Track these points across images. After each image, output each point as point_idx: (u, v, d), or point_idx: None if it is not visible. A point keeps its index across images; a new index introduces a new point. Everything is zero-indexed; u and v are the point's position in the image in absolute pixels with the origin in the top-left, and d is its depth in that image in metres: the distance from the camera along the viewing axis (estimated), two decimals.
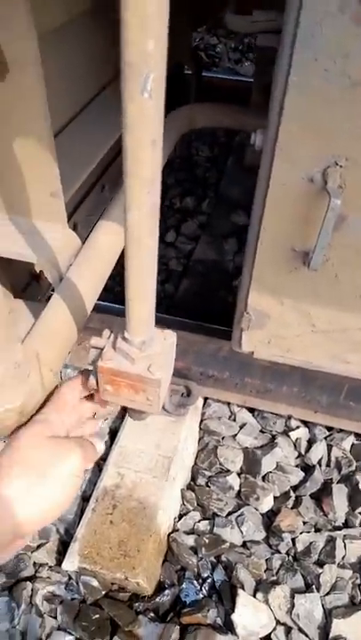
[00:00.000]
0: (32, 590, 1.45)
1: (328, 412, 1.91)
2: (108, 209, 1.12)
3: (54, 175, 0.88)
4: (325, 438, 1.94)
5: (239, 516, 1.67)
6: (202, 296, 2.51)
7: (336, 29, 0.76)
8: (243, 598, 1.42)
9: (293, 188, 0.95)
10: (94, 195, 1.33)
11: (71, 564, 1.47)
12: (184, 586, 1.49)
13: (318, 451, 1.89)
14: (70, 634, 1.36)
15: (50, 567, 1.52)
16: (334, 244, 1.02)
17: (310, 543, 1.62)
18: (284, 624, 1.43)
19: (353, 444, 1.93)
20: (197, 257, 2.68)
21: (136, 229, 0.53)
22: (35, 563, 1.54)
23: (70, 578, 1.47)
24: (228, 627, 1.40)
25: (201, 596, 1.48)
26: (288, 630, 1.42)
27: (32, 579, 1.49)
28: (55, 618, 1.39)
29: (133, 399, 0.72)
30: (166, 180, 3.20)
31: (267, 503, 1.73)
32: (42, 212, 0.92)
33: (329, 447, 1.91)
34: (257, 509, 1.71)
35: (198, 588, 1.49)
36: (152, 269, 0.60)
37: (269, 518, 1.70)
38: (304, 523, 1.68)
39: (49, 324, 0.80)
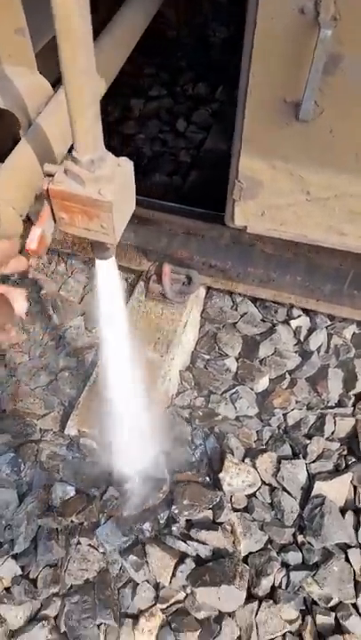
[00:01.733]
0: (37, 450, 1.58)
1: (331, 301, 1.89)
2: None
3: (18, 9, 0.82)
4: (327, 327, 1.95)
5: (234, 393, 1.75)
6: (211, 188, 2.43)
7: None
8: (231, 461, 1.53)
9: (283, 22, 0.86)
10: None
11: (72, 428, 1.58)
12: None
13: (318, 338, 1.91)
14: (70, 485, 1.50)
15: (54, 432, 1.64)
16: (329, 92, 0.94)
17: (301, 419, 1.69)
18: (269, 484, 1.54)
19: (354, 333, 1.94)
20: (208, 147, 2.55)
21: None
22: (40, 429, 1.66)
23: (71, 440, 1.59)
24: (216, 484, 1.52)
25: (193, 459, 1.59)
26: (272, 490, 1.53)
27: (37, 442, 1.62)
28: (57, 472, 1.53)
29: (88, 227, 0.72)
30: (179, 62, 2.98)
31: (262, 384, 1.80)
32: (8, 54, 0.86)
33: (329, 336, 1.93)
34: (252, 389, 1.78)
35: (191, 453, 1.60)
36: (92, 79, 0.56)
37: (263, 397, 1.77)
38: (297, 402, 1.75)
39: (14, 166, 0.79)
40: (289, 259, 1.83)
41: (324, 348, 1.91)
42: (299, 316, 1.97)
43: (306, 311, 1.97)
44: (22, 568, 1.40)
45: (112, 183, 0.66)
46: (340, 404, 1.76)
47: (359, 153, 1.05)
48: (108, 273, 0.96)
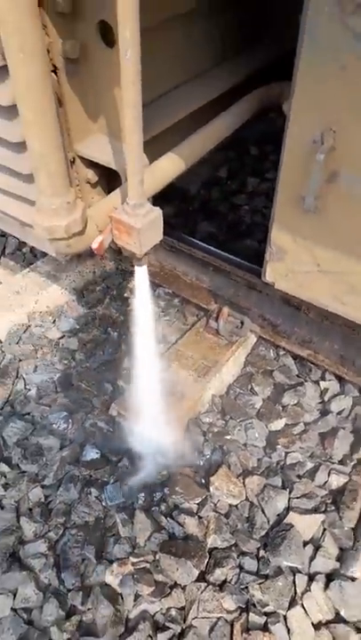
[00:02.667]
0: (84, 418, 2.03)
1: (359, 374, 2.13)
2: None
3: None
4: (353, 397, 2.16)
5: (249, 424, 2.04)
6: None
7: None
8: (225, 471, 1.82)
9: (302, 146, 1.28)
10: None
11: (113, 410, 2.02)
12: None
13: (341, 403, 2.13)
14: (98, 450, 1.91)
15: (100, 409, 2.08)
16: (331, 194, 1.32)
17: (299, 462, 1.93)
18: (250, 502, 1.79)
19: None
20: None
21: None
22: (92, 404, 2.12)
23: (110, 418, 2.02)
24: (207, 486, 1.81)
25: (196, 462, 1.91)
26: (251, 506, 1.78)
27: (87, 412, 2.07)
28: (92, 438, 1.96)
29: (127, 241, 1.17)
30: None
31: (276, 425, 2.06)
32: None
33: (353, 405, 2.14)
34: (266, 426, 2.06)
35: (196, 457, 1.92)
36: (140, 155, 1.01)
37: (274, 436, 2.03)
38: (301, 447, 1.98)
39: (106, 202, 1.28)
40: (329, 327, 2.12)
41: (345, 413, 2.12)
42: (330, 380, 2.21)
43: (338, 378, 2.21)
44: (45, 497, 1.82)
45: (144, 219, 1.12)
46: (341, 462, 1.96)
47: (359, 240, 1.39)
48: (141, 278, 1.41)
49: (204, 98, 1.65)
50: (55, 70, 1.24)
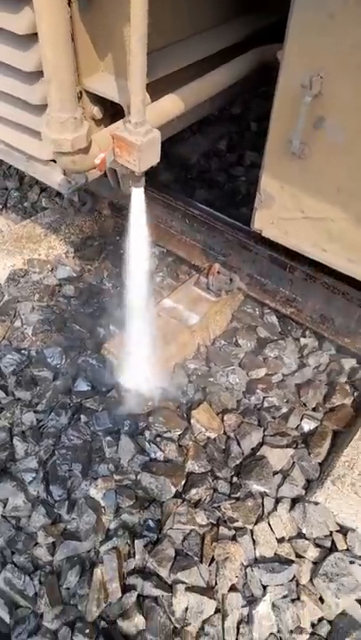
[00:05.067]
0: (76, 356, 2.16)
1: (338, 332, 2.26)
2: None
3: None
4: (330, 355, 2.30)
5: (231, 370, 2.17)
6: None
7: None
8: (205, 407, 1.96)
9: (292, 91, 1.39)
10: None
11: (104, 350, 2.15)
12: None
13: (318, 359, 2.27)
14: (89, 383, 2.04)
15: (91, 350, 2.21)
16: (316, 141, 1.44)
17: (275, 405, 2.07)
18: (227, 435, 1.94)
19: (353, 367, 2.27)
20: None
21: None
22: (85, 344, 2.24)
23: (101, 356, 2.15)
24: (188, 419, 1.95)
25: (180, 400, 2.05)
26: (228, 439, 1.92)
27: (79, 352, 2.19)
28: (84, 372, 2.09)
29: (128, 159, 1.29)
30: None
31: (257, 373, 2.20)
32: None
33: (330, 361, 2.28)
34: (248, 374, 2.19)
35: (181, 396, 2.06)
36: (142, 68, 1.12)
37: (254, 383, 2.17)
38: (278, 394, 2.12)
39: (109, 128, 1.39)
40: (312, 287, 2.25)
41: (321, 368, 2.27)
42: (310, 337, 2.35)
43: (318, 336, 2.35)
44: (38, 421, 1.95)
45: (144, 137, 1.23)
46: (313, 409, 2.10)
47: (340, 188, 1.51)
48: (138, 201, 1.52)
49: (208, 50, 1.76)
50: (69, 3, 1.35)
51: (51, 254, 2.63)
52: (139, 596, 1.54)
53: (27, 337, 2.24)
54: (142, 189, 1.52)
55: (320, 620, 1.48)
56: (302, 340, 2.35)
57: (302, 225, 1.68)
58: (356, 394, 2.15)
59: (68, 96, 1.20)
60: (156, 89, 1.61)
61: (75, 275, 2.54)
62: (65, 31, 1.12)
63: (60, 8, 1.08)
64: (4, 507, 1.76)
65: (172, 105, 1.55)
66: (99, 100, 1.56)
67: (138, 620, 1.49)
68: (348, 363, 2.27)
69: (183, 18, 1.73)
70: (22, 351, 2.17)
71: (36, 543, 1.67)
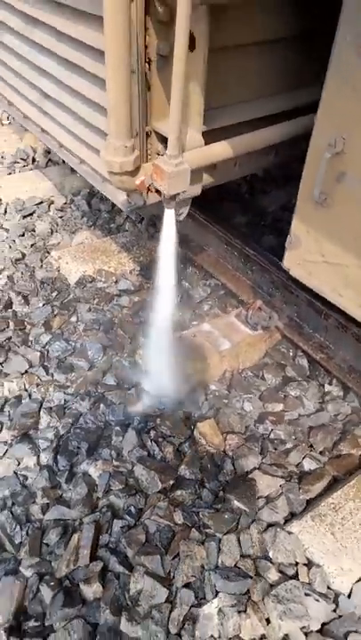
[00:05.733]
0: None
1: None
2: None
3: (201, 107, 1.74)
4: (352, 407, 2.33)
5: (248, 397, 2.29)
6: None
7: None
8: (212, 424, 2.10)
9: (321, 149, 1.59)
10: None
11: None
12: None
13: (339, 407, 2.31)
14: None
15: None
16: (338, 193, 1.61)
17: (280, 439, 2.14)
18: (226, 453, 2.04)
19: None
20: None
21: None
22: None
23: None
24: (192, 430, 2.10)
25: (193, 413, 2.20)
26: (225, 456, 2.03)
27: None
28: None
29: (160, 183, 1.55)
30: None
31: (274, 407, 2.29)
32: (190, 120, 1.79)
33: (351, 412, 2.30)
34: (264, 406, 2.29)
35: (194, 410, 2.22)
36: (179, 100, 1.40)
37: (267, 415, 2.26)
38: (288, 430, 2.19)
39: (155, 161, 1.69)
40: (345, 338, 2.32)
41: (340, 417, 2.29)
42: (336, 386, 2.40)
43: (344, 386, 2.39)
44: (65, 401, 2.22)
45: (175, 167, 1.49)
46: (320, 453, 2.13)
47: (356, 237, 1.65)
48: (169, 221, 1.77)
49: (265, 112, 2.02)
50: (149, 62, 1.69)
51: (118, 268, 2.98)
52: (104, 567, 1.69)
53: (77, 331, 2.56)
54: (173, 211, 1.78)
55: (262, 637, 1.51)
56: (327, 387, 2.40)
57: (323, 268, 1.81)
58: None
59: (122, 129, 1.51)
60: (214, 134, 1.90)
61: (133, 288, 2.84)
62: (126, 87, 1.44)
63: (124, 73, 1.42)
64: (18, 464, 2.02)
65: (221, 150, 1.82)
66: (163, 138, 1.88)
67: (96, 588, 1.63)
68: None
69: (249, 84, 2.02)
70: (70, 342, 2.49)
71: (34, 501, 1.90)
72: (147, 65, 1.70)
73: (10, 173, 3.88)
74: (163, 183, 1.57)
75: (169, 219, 1.80)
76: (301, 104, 2.12)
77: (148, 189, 1.86)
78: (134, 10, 1.55)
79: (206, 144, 1.83)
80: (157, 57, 1.68)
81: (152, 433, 2.08)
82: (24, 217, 3.40)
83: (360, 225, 1.61)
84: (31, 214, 3.45)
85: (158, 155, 1.93)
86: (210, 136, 1.86)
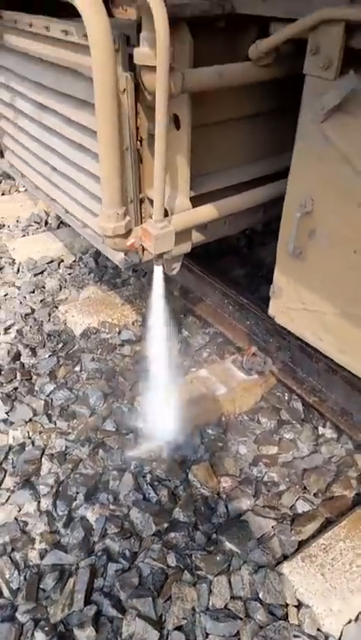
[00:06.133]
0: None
1: (355, 427, 2.36)
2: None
3: (187, 176, 1.95)
4: (346, 449, 2.38)
5: (243, 442, 2.36)
6: None
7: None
8: (206, 467, 2.16)
9: (294, 209, 1.76)
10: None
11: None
12: None
13: (333, 449, 2.36)
14: None
15: None
16: (311, 248, 1.77)
17: (274, 482, 2.19)
18: (219, 496, 2.10)
19: None
20: None
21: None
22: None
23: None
24: (186, 474, 2.16)
25: (190, 456, 2.28)
26: (218, 498, 2.08)
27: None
28: None
29: (148, 244, 1.73)
30: None
31: (268, 450, 2.35)
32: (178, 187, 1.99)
33: (345, 455, 2.35)
34: (258, 449, 2.35)
35: (191, 452, 2.29)
36: (161, 172, 1.59)
37: (261, 458, 2.31)
38: (280, 472, 2.24)
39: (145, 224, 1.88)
40: (336, 382, 2.41)
41: (334, 459, 2.34)
42: (329, 429, 2.46)
43: (338, 429, 2.45)
44: (65, 447, 2.32)
45: (160, 230, 1.67)
46: (314, 495, 2.17)
47: (331, 287, 1.78)
48: (158, 277, 1.93)
49: (250, 176, 2.24)
50: (141, 140, 1.92)
51: (122, 320, 3.15)
52: (98, 611, 1.72)
53: (80, 380, 2.69)
54: (161, 267, 1.95)
55: None
56: (321, 430, 2.46)
57: (304, 315, 1.94)
58: (360, 489, 2.18)
59: (114, 199, 1.71)
60: (201, 199, 2.10)
61: (135, 339, 2.99)
62: (116, 162, 1.66)
63: (114, 151, 1.64)
64: (19, 510, 2.10)
65: (207, 212, 2.01)
66: None
67: (90, 633, 1.67)
68: None
69: (233, 153, 2.25)
70: (73, 390, 2.62)
71: (33, 546, 1.96)
72: (139, 142, 1.93)
73: (24, 236, 4.18)
74: (150, 244, 1.76)
75: (158, 274, 1.97)
76: (282, 168, 2.34)
77: (143, 248, 2.06)
78: (126, 98, 1.80)
79: (196, 206, 2.03)
80: (148, 136, 1.92)
81: (148, 476, 2.15)
82: (35, 275, 3.63)
83: (331, 276, 1.76)
84: (42, 272, 3.68)
85: (151, 217, 2.14)
86: (201, 199, 2.06)
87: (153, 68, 1.50)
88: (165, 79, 1.49)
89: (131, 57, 1.62)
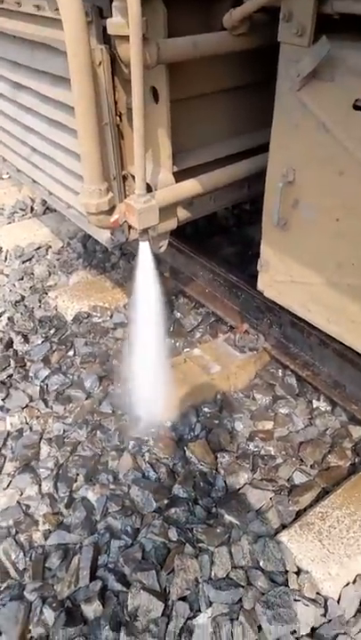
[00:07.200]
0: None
1: (348, 399, 2.38)
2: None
3: (169, 151, 1.93)
4: (341, 421, 2.40)
5: (239, 418, 2.38)
6: None
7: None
8: (203, 443, 2.19)
9: (276, 179, 1.75)
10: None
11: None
12: None
13: (328, 422, 2.39)
14: None
15: None
16: (295, 218, 1.76)
17: (271, 455, 2.22)
18: (218, 471, 2.12)
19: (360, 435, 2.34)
20: None
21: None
22: None
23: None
24: (184, 451, 2.19)
25: (184, 433, 2.30)
26: (217, 474, 2.11)
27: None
28: None
29: (131, 219, 1.72)
30: None
31: (264, 425, 2.37)
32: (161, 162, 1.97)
33: (339, 427, 2.38)
34: (254, 424, 2.38)
35: (187, 429, 2.31)
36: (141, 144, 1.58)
37: (257, 433, 2.34)
38: (278, 447, 2.27)
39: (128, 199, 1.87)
40: (329, 355, 2.43)
41: (329, 432, 2.37)
42: (323, 402, 2.48)
43: (331, 402, 2.47)
44: (63, 431, 2.33)
45: (143, 204, 1.66)
46: (310, 466, 2.20)
47: (316, 257, 1.78)
48: (144, 254, 1.93)
49: (233, 150, 2.21)
50: (120, 115, 1.90)
51: (113, 303, 3.14)
52: (103, 586, 1.76)
53: (74, 364, 2.70)
54: (147, 243, 1.94)
55: None
56: (315, 403, 2.48)
57: (291, 287, 1.95)
58: (356, 459, 2.21)
59: (94, 174, 1.70)
60: (185, 174, 2.08)
61: (127, 321, 2.99)
62: (94, 137, 1.64)
63: (92, 125, 1.62)
64: (21, 494, 2.12)
65: (191, 187, 2.00)
66: None
67: (96, 607, 1.70)
68: (358, 431, 2.34)
69: (215, 127, 2.22)
70: (68, 375, 2.62)
71: (36, 528, 1.99)
72: (118, 117, 1.90)
73: (9, 223, 4.13)
74: (133, 219, 1.74)
75: (144, 250, 1.96)
76: (265, 142, 2.31)
77: (130, 227, 2.04)
78: (102, 71, 1.77)
79: (180, 182, 2.01)
80: (127, 110, 1.89)
81: (146, 455, 2.17)
82: (23, 262, 3.61)
83: (316, 246, 1.76)
84: (30, 259, 3.66)
85: None
86: (185, 175, 2.04)
87: (127, 39, 1.47)
88: (139, 49, 1.46)
89: (105, 29, 1.59)
